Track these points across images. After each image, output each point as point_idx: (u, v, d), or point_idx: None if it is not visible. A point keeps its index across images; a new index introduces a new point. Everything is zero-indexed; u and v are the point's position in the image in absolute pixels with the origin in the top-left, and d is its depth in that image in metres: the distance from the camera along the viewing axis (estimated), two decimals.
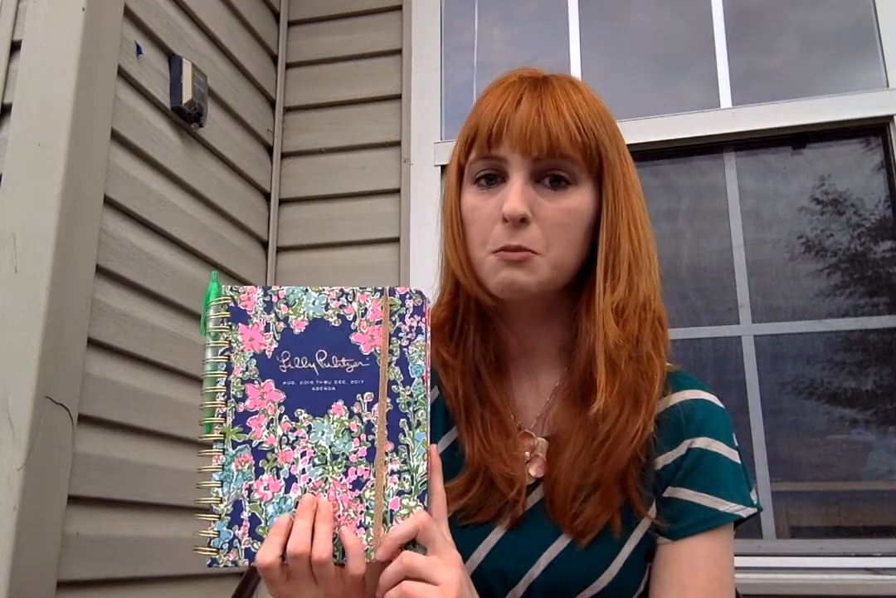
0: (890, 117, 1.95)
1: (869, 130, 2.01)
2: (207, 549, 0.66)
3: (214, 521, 0.67)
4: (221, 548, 0.66)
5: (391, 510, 0.68)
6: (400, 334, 0.72)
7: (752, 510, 0.83)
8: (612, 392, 0.78)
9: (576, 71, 2.18)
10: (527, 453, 0.85)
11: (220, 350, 0.70)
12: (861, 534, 1.81)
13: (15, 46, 1.51)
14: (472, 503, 0.83)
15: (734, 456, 0.84)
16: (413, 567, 0.65)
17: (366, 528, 0.68)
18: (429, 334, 0.72)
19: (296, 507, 0.67)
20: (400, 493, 0.69)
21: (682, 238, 2.10)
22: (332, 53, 2.34)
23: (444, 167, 2.14)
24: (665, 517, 0.82)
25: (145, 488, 1.59)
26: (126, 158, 1.63)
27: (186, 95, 1.79)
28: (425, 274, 2.10)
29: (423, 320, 0.72)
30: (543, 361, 0.89)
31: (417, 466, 0.69)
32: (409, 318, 0.72)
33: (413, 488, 0.69)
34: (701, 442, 0.83)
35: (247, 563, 0.66)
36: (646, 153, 2.12)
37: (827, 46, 2.13)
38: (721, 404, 0.87)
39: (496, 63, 2.33)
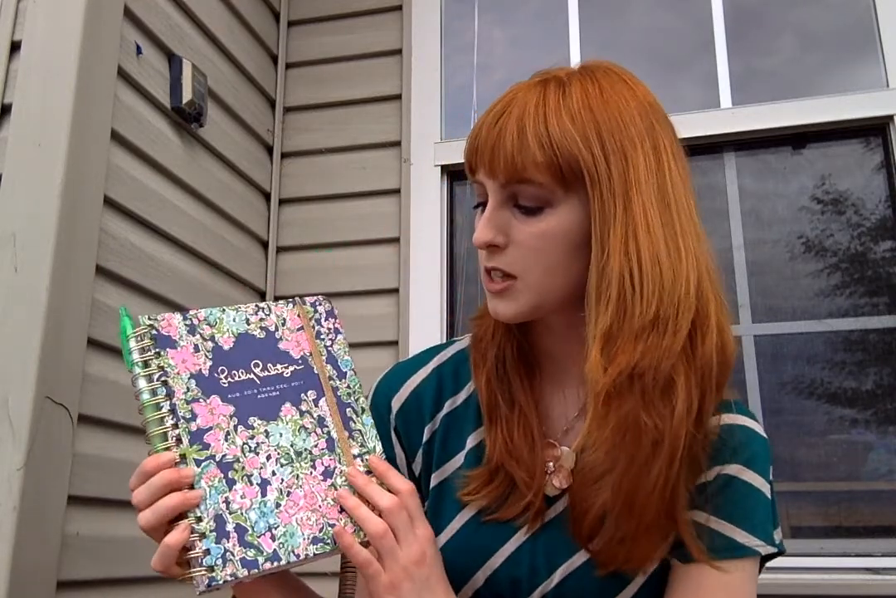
0: (890, 117, 1.95)
1: (869, 129, 2.01)
2: (201, 569, 0.65)
3: (199, 540, 0.65)
4: (216, 565, 0.65)
5: None
6: (322, 337, 0.77)
7: (771, 550, 0.79)
8: (600, 428, 0.72)
9: None
10: (550, 464, 0.82)
11: (154, 377, 0.71)
12: (861, 534, 1.81)
13: (15, 46, 1.51)
14: (493, 498, 0.81)
15: (766, 489, 0.80)
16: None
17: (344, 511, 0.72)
18: (344, 333, 0.79)
19: (276, 508, 0.69)
20: (368, 473, 0.74)
21: None
22: (332, 53, 2.34)
23: (444, 167, 2.13)
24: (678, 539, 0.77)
25: None
26: (126, 158, 1.63)
27: (186, 95, 1.79)
28: (425, 273, 2.10)
29: (337, 321, 0.79)
30: (569, 370, 0.85)
31: (374, 446, 0.76)
32: (325, 321, 0.78)
33: None
34: (732, 469, 0.79)
35: (246, 573, 0.66)
36: None
37: (827, 46, 2.13)
38: (764, 434, 0.82)
39: (496, 64, 2.33)
